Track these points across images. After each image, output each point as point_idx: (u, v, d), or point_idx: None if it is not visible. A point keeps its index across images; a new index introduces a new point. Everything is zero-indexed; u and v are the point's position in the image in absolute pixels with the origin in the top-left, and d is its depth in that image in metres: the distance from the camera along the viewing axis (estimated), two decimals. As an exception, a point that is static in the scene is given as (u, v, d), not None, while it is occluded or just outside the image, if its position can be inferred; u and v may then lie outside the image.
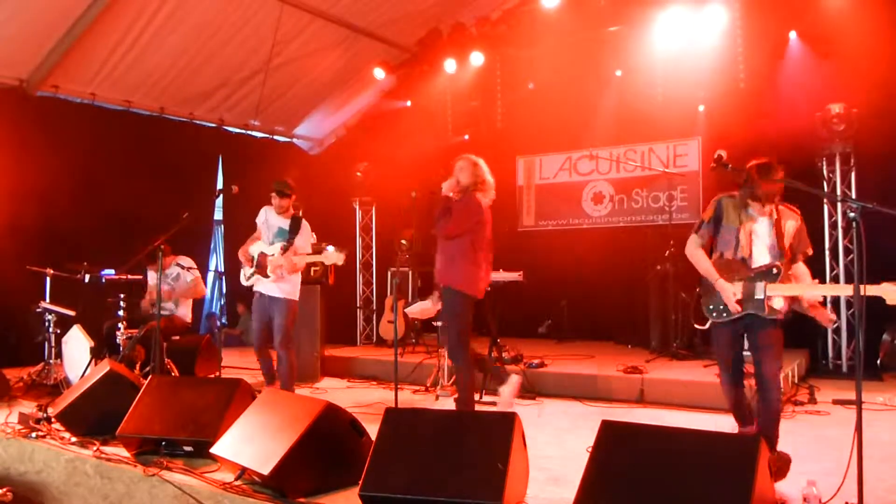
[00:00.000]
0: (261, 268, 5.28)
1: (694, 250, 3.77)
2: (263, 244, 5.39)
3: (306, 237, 5.39)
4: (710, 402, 5.12)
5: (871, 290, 2.97)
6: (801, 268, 3.65)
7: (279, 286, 5.24)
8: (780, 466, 3.39)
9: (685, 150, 8.26)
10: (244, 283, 5.43)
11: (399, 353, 6.33)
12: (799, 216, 3.61)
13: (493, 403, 5.47)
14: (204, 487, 3.35)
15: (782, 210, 3.59)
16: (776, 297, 3.45)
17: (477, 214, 4.52)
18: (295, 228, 5.34)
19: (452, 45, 8.85)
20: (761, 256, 3.56)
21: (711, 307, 3.64)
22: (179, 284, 6.15)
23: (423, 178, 8.34)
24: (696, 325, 3.81)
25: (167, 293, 5.95)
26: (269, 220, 5.44)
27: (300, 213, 5.49)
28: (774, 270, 3.48)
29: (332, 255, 5.01)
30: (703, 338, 7.23)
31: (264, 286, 5.30)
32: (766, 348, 3.52)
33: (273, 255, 5.22)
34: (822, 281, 6.62)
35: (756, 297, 3.47)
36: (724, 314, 3.59)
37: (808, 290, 3.53)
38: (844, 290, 3.18)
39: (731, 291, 3.53)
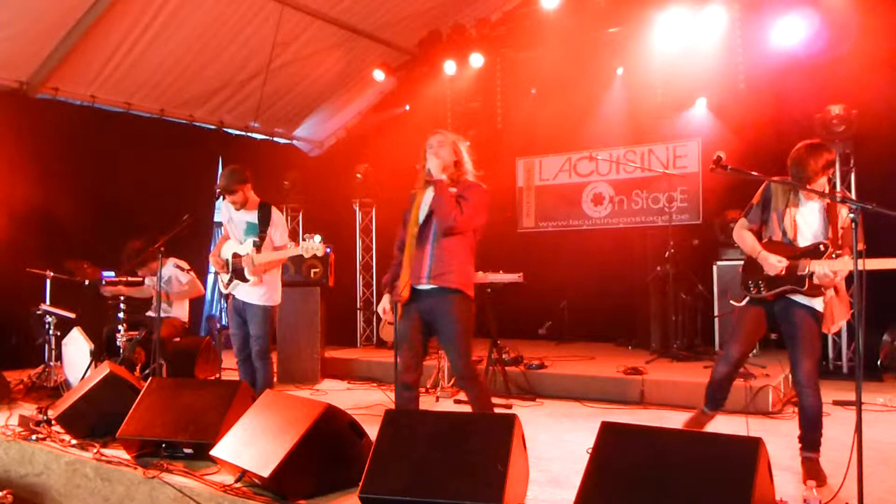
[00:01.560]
0: (238, 271, 4.77)
1: (740, 231, 3.70)
2: (234, 244, 4.88)
3: (281, 228, 4.85)
4: (711, 404, 5.12)
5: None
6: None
7: (256, 291, 4.75)
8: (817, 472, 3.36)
9: (685, 151, 8.26)
10: (224, 291, 4.91)
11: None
12: (855, 208, 3.45)
13: (493, 404, 5.48)
14: (204, 489, 3.35)
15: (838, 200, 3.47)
16: (820, 273, 3.31)
17: (488, 206, 3.84)
18: (265, 220, 4.77)
19: (452, 46, 8.86)
20: (807, 242, 3.47)
21: (751, 282, 3.59)
22: (172, 287, 6.13)
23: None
24: (732, 302, 3.75)
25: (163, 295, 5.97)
26: (233, 216, 4.89)
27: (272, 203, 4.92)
28: (822, 248, 3.40)
29: (312, 246, 4.33)
30: (704, 338, 7.26)
31: (240, 290, 4.80)
32: (801, 341, 3.40)
33: (247, 254, 4.71)
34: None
35: (798, 273, 3.38)
36: (764, 289, 3.52)
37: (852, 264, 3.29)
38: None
39: (775, 258, 3.44)
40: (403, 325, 3.78)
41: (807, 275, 3.36)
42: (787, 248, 3.48)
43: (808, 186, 3.37)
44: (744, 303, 3.63)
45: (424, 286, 3.68)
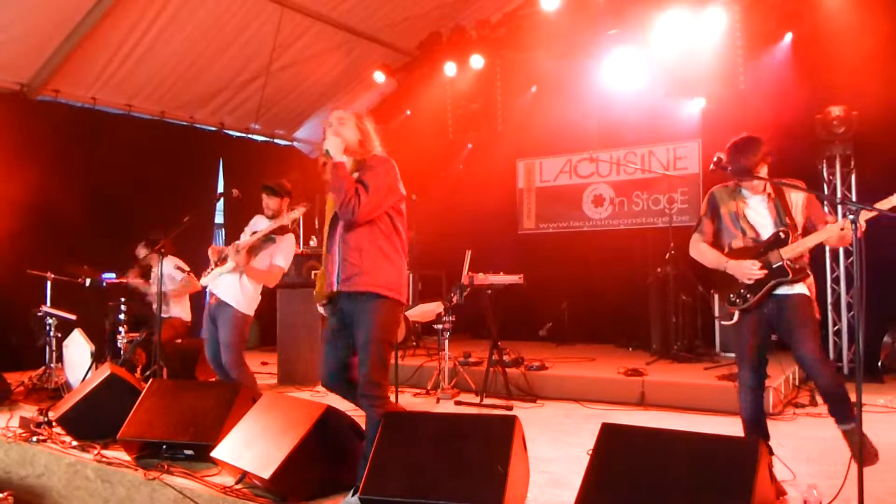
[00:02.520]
0: (224, 259, 4.63)
1: (697, 245, 3.55)
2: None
3: (285, 252, 4.71)
4: (711, 405, 5.12)
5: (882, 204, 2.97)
6: None
7: (233, 290, 4.57)
8: (868, 452, 3.14)
9: (685, 152, 8.27)
10: (203, 281, 4.83)
11: (400, 355, 6.32)
12: (803, 187, 3.34)
13: (494, 406, 5.49)
14: (204, 491, 3.36)
15: (783, 185, 3.36)
16: (796, 256, 3.23)
17: (398, 182, 3.24)
18: (279, 232, 4.68)
19: (452, 48, 8.88)
20: (768, 234, 3.35)
21: (733, 296, 3.38)
22: (166, 285, 6.10)
23: (424, 181, 8.41)
24: (724, 322, 3.50)
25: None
26: (257, 227, 4.85)
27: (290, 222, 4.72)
28: (782, 235, 3.29)
29: (292, 213, 4.35)
30: (704, 340, 7.25)
31: (217, 284, 4.64)
32: (801, 327, 3.23)
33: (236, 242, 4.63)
34: (823, 286, 6.64)
35: (774, 266, 3.27)
36: (749, 295, 3.32)
37: (823, 234, 3.28)
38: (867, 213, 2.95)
39: (748, 263, 3.30)
40: (328, 328, 3.32)
41: (784, 263, 3.26)
42: (751, 248, 3.37)
43: (752, 177, 3.29)
44: (735, 319, 3.40)
45: (339, 291, 3.17)
